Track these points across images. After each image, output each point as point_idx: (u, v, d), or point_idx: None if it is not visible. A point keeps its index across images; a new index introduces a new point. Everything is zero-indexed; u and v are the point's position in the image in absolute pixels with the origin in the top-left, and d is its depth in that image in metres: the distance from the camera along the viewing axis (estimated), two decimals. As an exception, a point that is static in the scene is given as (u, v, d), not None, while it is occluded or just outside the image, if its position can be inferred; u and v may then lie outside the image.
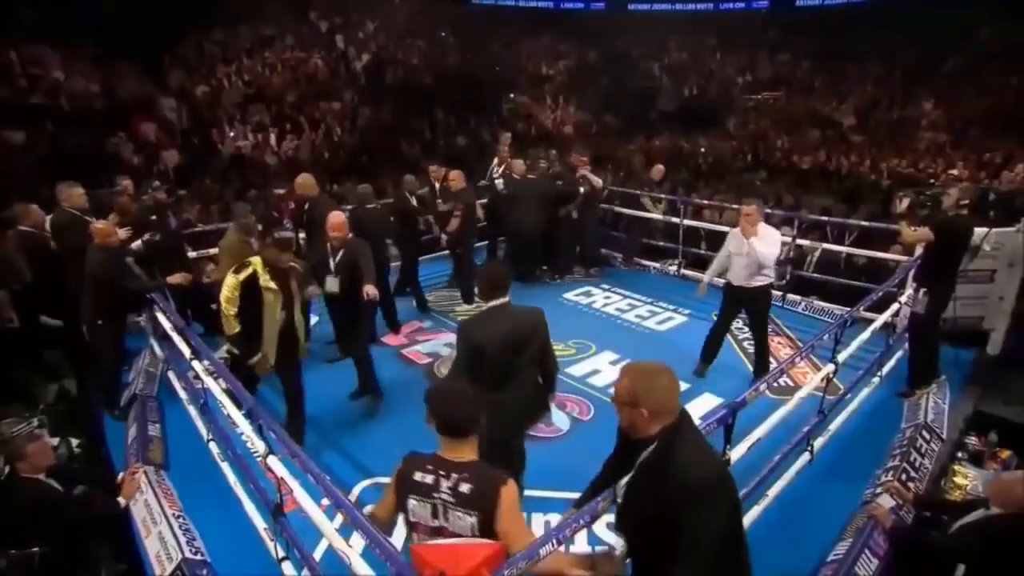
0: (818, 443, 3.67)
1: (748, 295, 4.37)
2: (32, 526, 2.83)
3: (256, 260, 3.53)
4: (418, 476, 1.87)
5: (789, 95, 14.90)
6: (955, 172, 9.36)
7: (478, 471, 1.84)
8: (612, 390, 1.84)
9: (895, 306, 4.37)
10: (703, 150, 12.83)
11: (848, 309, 4.33)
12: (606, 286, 6.69)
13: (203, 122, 10.72)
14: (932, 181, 8.75)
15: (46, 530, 2.84)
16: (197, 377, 3.64)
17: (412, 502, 1.87)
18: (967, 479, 3.41)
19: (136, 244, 4.69)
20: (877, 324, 4.05)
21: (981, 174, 9.15)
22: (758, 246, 4.12)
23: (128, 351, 4.77)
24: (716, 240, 7.07)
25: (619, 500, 1.89)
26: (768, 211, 7.10)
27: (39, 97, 9.14)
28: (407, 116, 12.83)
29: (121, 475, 3.36)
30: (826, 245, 6.13)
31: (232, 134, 10.68)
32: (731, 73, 16.42)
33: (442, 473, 1.84)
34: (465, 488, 1.80)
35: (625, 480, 1.84)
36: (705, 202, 7.78)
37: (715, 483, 1.69)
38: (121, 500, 3.17)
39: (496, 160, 7.47)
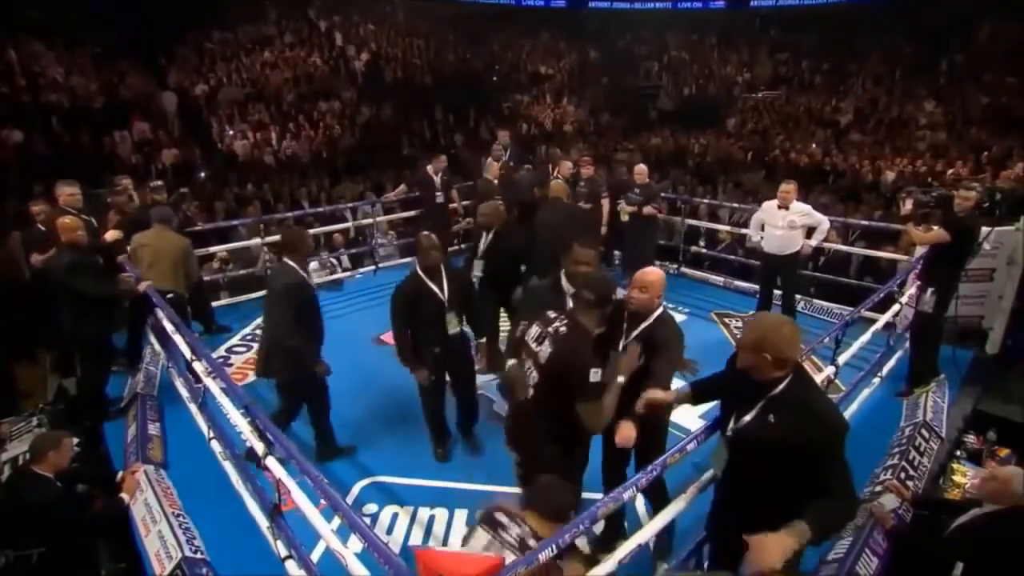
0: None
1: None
2: (36, 524, 2.81)
3: None
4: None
5: (789, 94, 14.90)
6: (954, 171, 9.35)
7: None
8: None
9: (896, 307, 4.36)
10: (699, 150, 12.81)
11: (849, 309, 4.32)
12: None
13: (202, 121, 10.73)
14: (932, 182, 8.74)
15: (49, 529, 2.83)
16: (198, 380, 3.63)
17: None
18: (966, 478, 3.41)
19: None
20: (879, 324, 4.04)
21: (982, 173, 9.14)
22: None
23: (120, 352, 4.76)
24: (714, 238, 7.11)
25: (729, 434, 2.10)
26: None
27: (39, 96, 9.14)
28: (406, 115, 12.83)
29: (121, 474, 3.35)
30: (836, 245, 6.03)
31: (231, 133, 10.68)
32: (731, 72, 16.42)
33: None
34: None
35: (749, 416, 2.02)
36: (705, 200, 7.77)
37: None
38: (124, 496, 3.16)
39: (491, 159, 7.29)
